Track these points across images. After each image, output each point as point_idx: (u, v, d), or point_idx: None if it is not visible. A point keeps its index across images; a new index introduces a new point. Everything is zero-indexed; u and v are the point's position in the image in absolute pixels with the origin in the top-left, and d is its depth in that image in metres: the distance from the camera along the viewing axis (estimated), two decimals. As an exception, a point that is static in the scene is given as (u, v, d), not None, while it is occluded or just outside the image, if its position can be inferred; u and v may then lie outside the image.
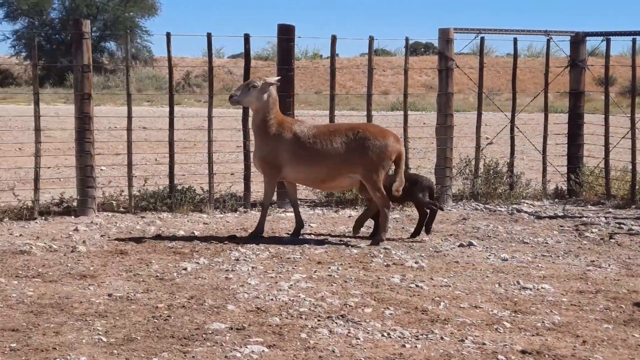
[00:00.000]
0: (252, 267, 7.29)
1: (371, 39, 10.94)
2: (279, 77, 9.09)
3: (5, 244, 8.15)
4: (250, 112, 8.93)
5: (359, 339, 5.40)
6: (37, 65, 9.89)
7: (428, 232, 8.89)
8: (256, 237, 8.62)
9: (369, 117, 10.97)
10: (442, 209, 9.41)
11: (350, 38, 20.40)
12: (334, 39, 10.82)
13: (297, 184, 8.98)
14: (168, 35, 10.15)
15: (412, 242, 8.62)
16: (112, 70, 42.83)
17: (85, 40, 9.63)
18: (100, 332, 5.43)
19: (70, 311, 5.91)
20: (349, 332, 5.52)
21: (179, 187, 10.29)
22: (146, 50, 48.24)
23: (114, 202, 10.04)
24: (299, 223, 8.85)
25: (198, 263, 7.44)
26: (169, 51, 10.21)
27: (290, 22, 10.56)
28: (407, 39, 11.33)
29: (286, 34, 10.50)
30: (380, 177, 8.53)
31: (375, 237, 8.56)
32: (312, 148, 8.52)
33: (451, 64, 11.17)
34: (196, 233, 8.86)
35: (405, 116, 11.31)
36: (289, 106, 10.52)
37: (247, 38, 10.42)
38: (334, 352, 5.14)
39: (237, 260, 7.58)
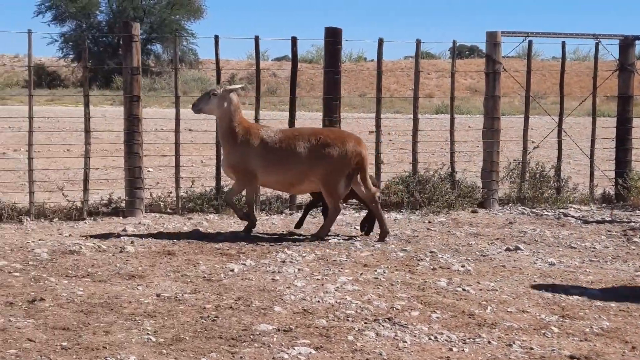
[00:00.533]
0: (299, 269, 7.32)
1: (418, 42, 10.94)
2: (242, 85, 9.39)
3: (55, 243, 8.26)
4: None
5: (406, 342, 5.40)
6: (87, 67, 10.00)
7: (368, 233, 9.07)
8: (249, 231, 8.90)
9: (415, 119, 10.97)
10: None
11: (396, 41, 20.49)
12: (380, 42, 10.83)
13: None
14: (216, 38, 10.24)
15: (458, 245, 8.59)
16: (158, 73, 43.17)
17: (134, 42, 9.73)
18: (149, 332, 5.48)
19: (120, 311, 5.97)
20: (395, 335, 5.52)
21: (226, 189, 10.35)
22: (192, 52, 48.57)
23: (161, 203, 10.14)
24: (252, 222, 8.99)
25: (245, 264, 7.49)
26: (216, 54, 10.29)
27: (334, 25, 10.58)
28: (454, 42, 11.32)
29: (333, 36, 10.52)
30: (338, 181, 8.67)
31: (317, 233, 8.82)
32: (280, 152, 8.69)
33: (498, 67, 11.13)
34: (241, 234, 8.91)
35: (452, 120, 11.29)
36: (335, 109, 10.56)
37: (294, 41, 10.46)
38: (381, 354, 5.15)
39: (284, 262, 7.62)
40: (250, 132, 8.76)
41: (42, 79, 43.18)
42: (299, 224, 9.18)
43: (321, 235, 8.75)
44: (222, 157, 9.11)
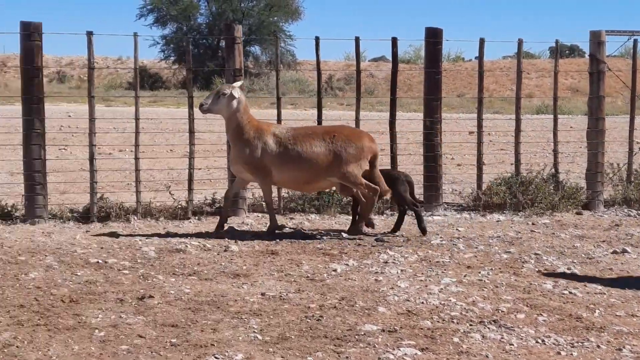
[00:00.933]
0: (401, 270, 7.31)
1: (520, 42, 10.81)
2: (242, 82, 9.27)
3: (162, 242, 8.42)
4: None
5: (513, 344, 5.34)
6: (190, 69, 10.15)
7: (424, 232, 8.98)
8: (273, 232, 8.88)
9: (518, 120, 10.84)
10: (417, 207, 9.20)
11: (498, 40, 20.20)
12: (482, 42, 10.74)
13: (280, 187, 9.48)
14: (317, 39, 10.29)
15: (563, 248, 8.45)
16: (256, 74, 43.61)
17: (237, 44, 9.86)
18: (255, 330, 5.55)
19: (226, 309, 6.06)
20: (502, 338, 5.46)
21: (327, 190, 10.40)
22: (289, 54, 48.86)
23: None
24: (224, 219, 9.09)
25: (347, 265, 7.51)
26: (317, 55, 10.33)
27: (434, 25, 10.52)
28: (557, 42, 11.17)
29: (434, 37, 10.47)
30: (358, 176, 8.75)
31: (354, 227, 8.93)
32: (295, 150, 8.71)
33: (602, 67, 10.93)
34: (344, 235, 8.94)
35: (555, 120, 11.13)
36: (435, 109, 10.51)
37: (394, 41, 10.44)
38: (487, 357, 5.11)
39: (386, 262, 7.62)
40: (261, 129, 8.83)
41: (145, 80, 44.03)
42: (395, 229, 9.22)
43: (366, 220, 8.94)
44: (230, 157, 9.06)
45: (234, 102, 8.78)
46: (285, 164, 8.75)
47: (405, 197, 9.11)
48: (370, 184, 8.79)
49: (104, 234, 8.80)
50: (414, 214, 9.20)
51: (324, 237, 8.74)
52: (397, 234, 9.11)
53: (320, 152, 8.72)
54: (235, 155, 8.88)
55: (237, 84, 9.00)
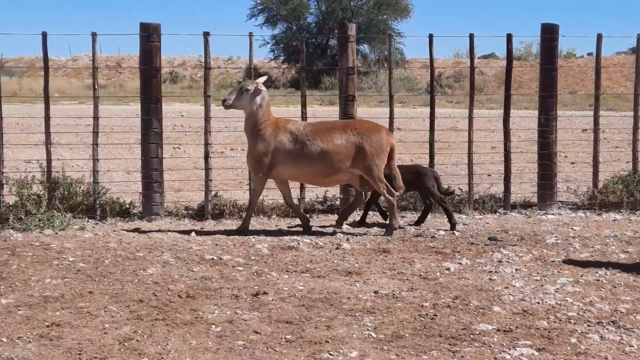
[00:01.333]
0: (516, 269, 7.21)
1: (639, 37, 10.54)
2: (266, 77, 9.30)
3: (275, 239, 8.51)
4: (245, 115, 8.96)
5: (633, 346, 5.21)
6: (304, 68, 10.23)
7: (453, 227, 9.07)
8: (243, 233, 8.80)
9: (636, 117, 10.57)
10: (446, 203, 9.35)
11: (615, 36, 19.66)
12: (599, 38, 10.52)
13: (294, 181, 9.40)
14: (430, 37, 10.23)
15: (683, 248, 8.21)
16: (364, 73, 43.61)
17: (350, 43, 9.88)
18: (369, 328, 5.55)
19: (339, 306, 6.08)
20: (621, 339, 5.34)
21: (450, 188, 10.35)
22: (398, 52, 48.70)
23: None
24: (305, 220, 9.10)
25: (460, 263, 7.45)
26: (430, 53, 10.29)
27: (550, 21, 10.32)
28: (677, 35, 10.83)
29: (550, 33, 10.29)
30: (380, 169, 8.79)
31: (389, 228, 8.84)
32: (313, 145, 8.68)
33: None
34: (456, 234, 8.88)
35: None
36: (551, 107, 10.35)
37: (509, 38, 10.31)
38: (606, 358, 5.00)
39: (500, 261, 7.53)
40: (279, 126, 8.81)
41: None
42: (419, 222, 9.41)
43: (394, 226, 8.85)
44: (247, 150, 9.01)
45: (258, 99, 8.81)
46: (302, 159, 8.75)
47: (434, 192, 9.24)
48: (389, 189, 8.86)
49: (219, 232, 8.97)
50: (443, 211, 9.35)
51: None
52: (421, 226, 9.27)
53: (342, 145, 8.72)
54: (249, 150, 8.93)
55: (261, 79, 9.04)
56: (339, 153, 8.71)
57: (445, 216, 9.28)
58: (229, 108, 8.92)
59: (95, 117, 9.59)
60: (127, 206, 9.61)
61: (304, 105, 10.01)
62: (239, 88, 8.91)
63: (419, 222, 9.35)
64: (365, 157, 8.72)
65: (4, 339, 5.22)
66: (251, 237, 8.60)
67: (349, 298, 6.30)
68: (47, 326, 5.50)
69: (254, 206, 9.11)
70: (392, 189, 8.87)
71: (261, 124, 8.79)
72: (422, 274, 7.09)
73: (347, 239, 8.51)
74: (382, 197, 9.18)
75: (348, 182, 9.13)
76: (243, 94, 8.80)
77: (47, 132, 9.50)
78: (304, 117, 9.95)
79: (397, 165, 9.12)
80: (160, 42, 9.55)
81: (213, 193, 9.76)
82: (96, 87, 9.66)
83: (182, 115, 23.87)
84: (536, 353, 5.08)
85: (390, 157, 8.90)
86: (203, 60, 9.83)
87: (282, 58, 50.90)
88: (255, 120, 8.80)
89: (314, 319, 5.75)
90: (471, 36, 10.29)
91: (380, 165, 8.78)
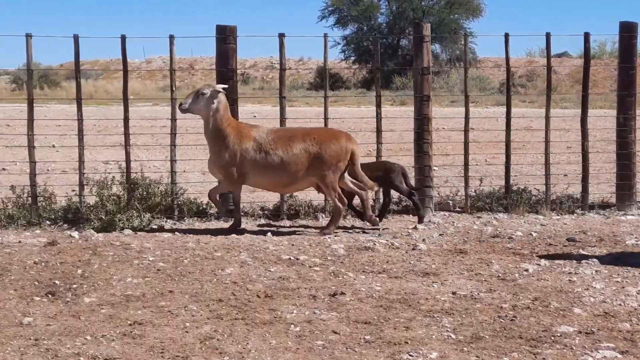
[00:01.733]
0: (596, 271, 7.11)
1: None
2: (227, 85, 9.15)
3: (350, 239, 8.52)
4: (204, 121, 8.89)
5: None
6: (379, 68, 10.25)
7: (421, 220, 9.30)
8: (234, 230, 8.89)
9: None
10: (414, 196, 9.43)
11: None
12: (680, 34, 10.30)
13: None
14: (506, 36, 10.14)
15: None
16: (435, 72, 43.40)
17: (425, 43, 9.84)
18: (448, 329, 5.53)
19: (417, 307, 6.07)
20: None
21: (514, 188, 10.26)
22: (470, 51, 48.31)
23: (450, 201, 10.19)
24: (238, 221, 9.07)
25: (539, 264, 7.37)
26: (506, 52, 10.19)
27: (629, 19, 10.16)
28: None
29: (628, 31, 10.12)
30: (336, 178, 8.80)
31: (322, 230, 8.85)
32: (274, 153, 8.64)
33: None
34: (534, 234, 8.78)
35: None
36: (629, 105, 10.20)
37: (586, 37, 10.19)
38: (692, 362, 4.91)
39: (579, 263, 7.43)
40: (241, 132, 8.75)
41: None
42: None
43: (330, 231, 8.81)
44: (208, 159, 8.98)
45: (215, 103, 8.76)
46: (264, 168, 8.74)
47: (401, 187, 9.33)
48: (342, 196, 8.87)
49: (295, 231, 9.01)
50: (411, 203, 9.52)
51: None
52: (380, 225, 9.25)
53: (300, 155, 8.71)
54: (212, 158, 8.88)
55: (220, 85, 8.98)
56: (297, 162, 8.73)
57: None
58: (185, 112, 8.94)
59: (173, 119, 9.70)
60: (204, 206, 9.71)
61: (378, 106, 10.00)
62: (195, 92, 8.93)
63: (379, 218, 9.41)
64: (322, 165, 8.74)
65: (88, 337, 5.33)
66: (327, 237, 8.62)
67: (426, 299, 6.28)
68: (130, 325, 5.59)
69: (239, 204, 9.12)
70: (344, 198, 8.94)
71: (222, 130, 8.76)
72: (500, 275, 7.03)
73: (424, 240, 8.48)
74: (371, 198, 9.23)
75: (308, 187, 9.18)
76: (199, 98, 8.79)
77: (126, 134, 9.66)
78: (378, 117, 9.93)
79: (367, 163, 9.36)
80: (236, 44, 9.63)
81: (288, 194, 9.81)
82: (174, 88, 9.77)
83: (254, 117, 24.00)
84: (619, 356, 5.01)
85: (353, 162, 8.92)
86: (274, 62, 9.93)
87: (352, 59, 50.91)
88: (215, 125, 8.78)
89: (392, 320, 5.75)
90: (547, 35, 10.17)
91: (336, 173, 8.80)
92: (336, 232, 8.86)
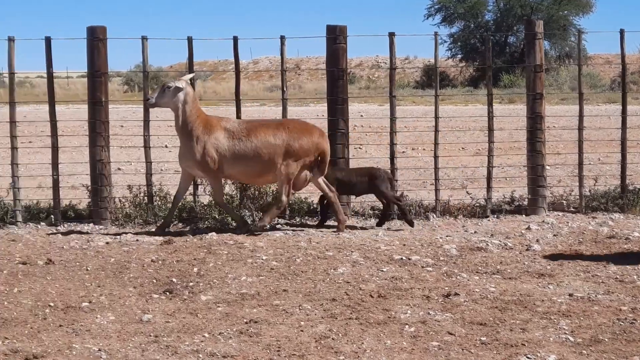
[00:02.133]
0: None
1: None
2: (193, 75, 9.07)
3: (462, 240, 8.45)
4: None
5: None
6: (490, 66, 10.15)
7: (411, 224, 9.10)
8: (163, 229, 8.86)
9: None
10: (401, 201, 9.28)
11: None
12: None
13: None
14: (622, 32, 9.92)
15: None
16: (545, 69, 42.70)
17: (537, 40, 9.71)
18: (566, 331, 5.44)
19: (533, 309, 5.98)
20: None
21: (630, 187, 10.01)
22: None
23: (564, 201, 10.01)
24: (168, 221, 9.00)
25: (659, 266, 7.19)
26: (622, 48, 9.97)
27: None
28: None
29: None
30: (295, 170, 8.73)
31: (259, 222, 8.84)
32: (247, 143, 8.53)
33: None
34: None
35: None
36: None
37: None
38: None
39: (701, 265, 7.21)
40: (211, 124, 8.63)
41: (432, 79, 44.37)
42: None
43: (265, 224, 8.78)
44: (179, 152, 8.85)
45: (181, 95, 8.65)
46: (237, 158, 8.63)
47: (387, 193, 9.12)
48: (289, 194, 8.81)
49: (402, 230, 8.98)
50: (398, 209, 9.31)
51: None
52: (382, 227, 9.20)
53: (274, 144, 8.62)
54: (184, 151, 8.76)
55: (186, 77, 8.89)
56: (270, 152, 8.64)
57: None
58: (152, 107, 8.95)
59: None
60: (315, 206, 9.76)
61: (490, 104, 9.91)
62: (161, 86, 8.92)
63: (380, 224, 9.28)
64: (287, 156, 8.67)
65: (206, 335, 5.42)
66: (439, 237, 8.57)
67: (542, 300, 6.19)
68: (246, 323, 5.67)
69: (224, 204, 9.03)
70: (285, 200, 8.83)
71: (191, 122, 8.69)
72: (617, 276, 6.88)
73: (537, 240, 8.34)
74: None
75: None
76: (165, 92, 8.73)
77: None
78: (490, 115, 9.82)
79: (353, 169, 9.38)
80: (346, 43, 9.65)
81: (398, 193, 9.78)
82: (284, 89, 9.84)
83: (361, 116, 24.06)
84: None
85: (322, 160, 8.84)
86: (379, 61, 9.95)
87: (459, 56, 50.48)
88: (184, 119, 8.70)
89: (508, 321, 5.68)
90: (664, 30, 9.90)
91: (298, 165, 8.74)
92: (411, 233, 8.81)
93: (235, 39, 9.68)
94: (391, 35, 9.71)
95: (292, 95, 41.71)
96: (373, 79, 50.02)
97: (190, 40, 9.63)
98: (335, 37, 9.58)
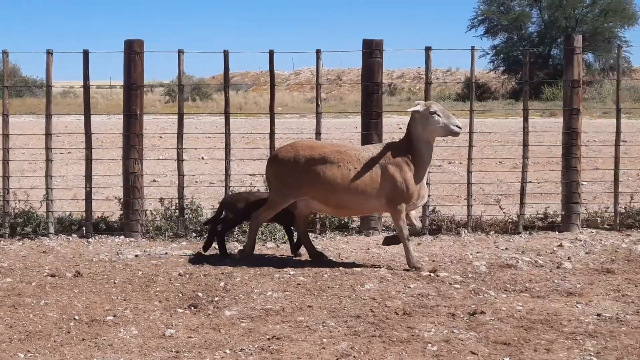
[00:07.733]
0: None
1: None
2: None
3: (492, 256, 8.37)
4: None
5: None
6: (527, 81, 10.06)
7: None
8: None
9: None
10: None
11: None
12: None
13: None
14: (660, 46, 9.81)
15: None
16: (588, 82, 42.28)
17: (576, 55, 9.60)
18: (591, 353, 5.36)
19: (560, 329, 5.90)
20: None
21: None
22: (625, 60, 46.84)
23: (598, 218, 9.88)
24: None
25: (691, 287, 7.06)
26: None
27: None
28: None
29: None
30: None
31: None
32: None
33: None
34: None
35: None
36: None
37: None
38: None
39: None
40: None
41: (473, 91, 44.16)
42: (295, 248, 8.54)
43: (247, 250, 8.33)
44: None
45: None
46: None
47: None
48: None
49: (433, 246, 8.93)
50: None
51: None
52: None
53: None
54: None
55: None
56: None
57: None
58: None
59: (318, 133, 9.76)
60: (346, 220, 9.73)
61: (525, 120, 9.80)
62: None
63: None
64: None
65: (227, 351, 5.42)
66: (469, 253, 8.50)
67: (569, 320, 6.11)
68: (268, 339, 5.66)
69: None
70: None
71: None
72: (648, 296, 6.78)
73: (569, 258, 8.24)
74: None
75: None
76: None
77: (272, 147, 9.76)
78: (525, 130, 9.72)
79: None
80: (382, 58, 9.63)
81: (431, 208, 9.72)
82: (319, 103, 9.83)
83: (400, 128, 23.96)
84: None
85: None
86: (421, 72, 9.87)
87: (501, 69, 50.22)
88: None
89: (533, 341, 5.61)
90: None
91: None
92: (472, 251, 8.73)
93: (271, 53, 9.70)
94: (427, 49, 9.67)
95: (333, 106, 41.91)
96: (415, 90, 49.86)
97: (226, 53, 9.67)
98: (371, 51, 9.56)
